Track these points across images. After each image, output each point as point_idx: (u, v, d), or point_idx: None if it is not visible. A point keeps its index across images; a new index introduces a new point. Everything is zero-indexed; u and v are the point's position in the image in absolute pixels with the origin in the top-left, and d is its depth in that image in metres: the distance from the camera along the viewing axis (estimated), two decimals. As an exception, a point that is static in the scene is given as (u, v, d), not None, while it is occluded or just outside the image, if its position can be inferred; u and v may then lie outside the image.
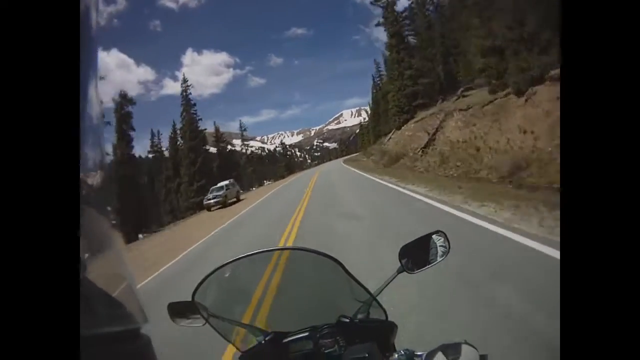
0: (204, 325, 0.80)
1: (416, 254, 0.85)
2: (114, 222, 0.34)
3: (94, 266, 0.31)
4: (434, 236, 0.87)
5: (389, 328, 0.78)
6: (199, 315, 0.79)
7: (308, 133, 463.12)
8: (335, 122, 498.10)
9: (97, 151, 0.32)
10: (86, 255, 0.29)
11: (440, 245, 0.86)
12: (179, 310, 0.85)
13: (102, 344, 0.29)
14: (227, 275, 0.81)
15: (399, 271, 0.84)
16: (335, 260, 0.72)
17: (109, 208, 0.34)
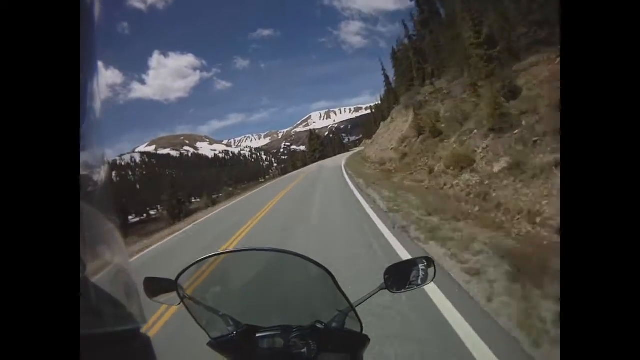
0: (178, 304, 0.81)
1: (400, 275, 0.90)
2: (115, 221, 0.34)
3: (94, 266, 0.31)
4: (419, 261, 0.91)
5: (362, 341, 0.79)
6: (175, 295, 0.80)
7: (276, 136, 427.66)
8: (304, 124, 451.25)
9: (98, 150, 0.32)
10: (86, 255, 0.29)
11: (422, 270, 0.90)
12: (156, 286, 0.84)
13: (102, 344, 0.29)
14: (214, 265, 0.82)
15: (381, 288, 0.88)
16: (326, 269, 0.72)
17: (110, 208, 0.34)
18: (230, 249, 0.89)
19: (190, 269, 0.78)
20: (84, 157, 0.28)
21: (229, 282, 0.94)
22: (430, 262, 0.91)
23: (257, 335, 0.78)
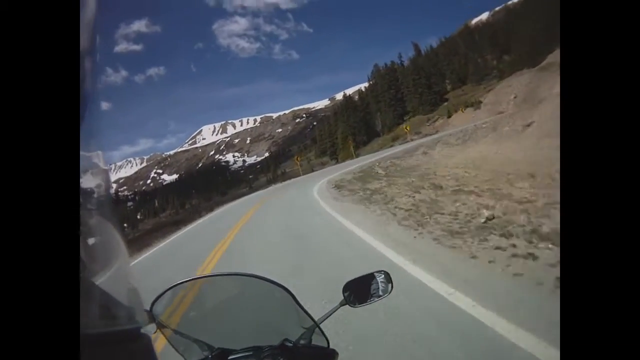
0: (154, 333, 0.81)
1: (359, 290, 0.93)
2: (115, 222, 0.34)
3: (95, 266, 0.31)
4: (376, 275, 0.95)
5: (330, 355, 0.83)
6: (151, 323, 0.81)
7: (159, 158, 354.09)
8: (191, 141, 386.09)
9: (97, 151, 0.32)
10: (87, 255, 0.29)
11: (381, 282, 0.94)
12: None
13: (102, 344, 0.29)
14: (185, 291, 0.86)
15: (342, 304, 0.91)
16: (285, 288, 0.77)
17: (110, 208, 0.34)
18: (198, 275, 0.95)
19: (163, 296, 0.80)
20: (83, 157, 0.28)
21: (199, 307, 0.96)
22: (387, 275, 0.94)
23: (230, 357, 0.80)
